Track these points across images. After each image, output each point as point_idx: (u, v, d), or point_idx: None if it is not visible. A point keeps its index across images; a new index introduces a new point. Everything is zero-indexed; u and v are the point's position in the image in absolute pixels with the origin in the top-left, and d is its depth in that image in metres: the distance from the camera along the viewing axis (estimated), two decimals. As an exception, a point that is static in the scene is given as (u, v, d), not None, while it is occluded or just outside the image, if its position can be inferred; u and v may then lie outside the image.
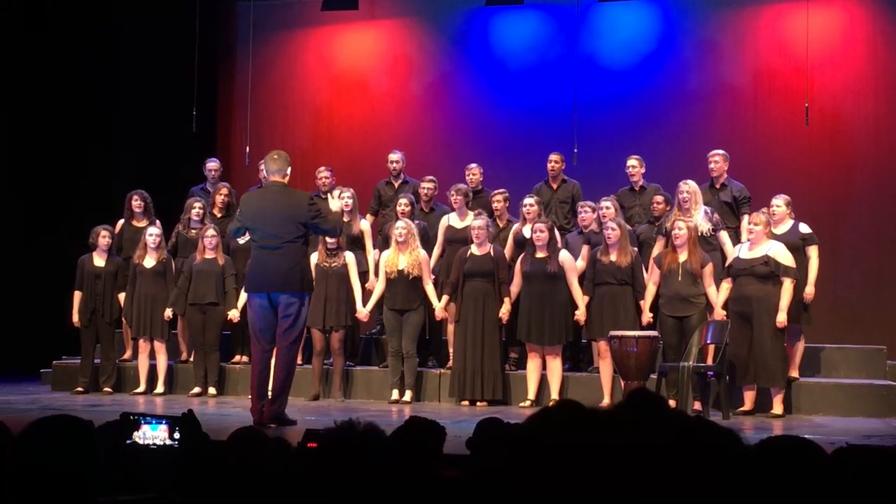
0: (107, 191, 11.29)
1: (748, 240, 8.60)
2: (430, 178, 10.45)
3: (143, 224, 10.39)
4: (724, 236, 9.21)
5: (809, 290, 8.85)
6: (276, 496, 2.66)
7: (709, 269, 8.64)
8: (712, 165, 9.65)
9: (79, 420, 2.67)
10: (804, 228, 8.95)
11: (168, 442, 4.34)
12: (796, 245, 8.88)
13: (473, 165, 10.56)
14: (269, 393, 7.61)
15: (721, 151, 9.71)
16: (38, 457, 2.50)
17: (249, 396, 9.18)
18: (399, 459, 2.32)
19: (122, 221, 10.57)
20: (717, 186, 9.66)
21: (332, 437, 2.21)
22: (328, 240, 9.44)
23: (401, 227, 9.39)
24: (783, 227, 8.96)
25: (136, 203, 10.47)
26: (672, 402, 8.16)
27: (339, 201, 8.19)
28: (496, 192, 9.99)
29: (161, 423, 4.39)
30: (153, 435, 4.37)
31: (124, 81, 12.49)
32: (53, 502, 2.47)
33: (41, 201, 11.96)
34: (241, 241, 9.48)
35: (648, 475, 1.03)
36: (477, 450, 3.39)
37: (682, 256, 8.64)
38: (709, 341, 8.43)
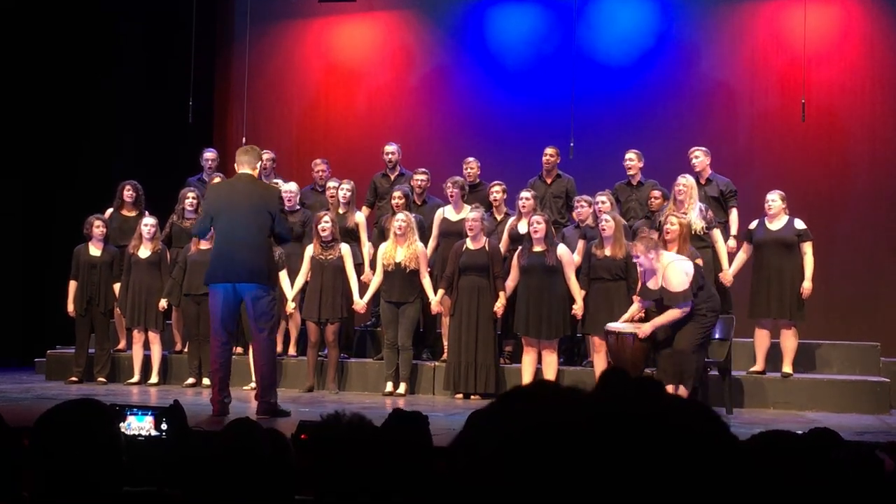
0: (103, 181, 11.26)
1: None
2: (423, 170, 10.44)
3: (132, 214, 10.41)
4: (716, 234, 9.21)
5: (807, 285, 8.86)
6: (269, 487, 2.65)
7: (697, 263, 8.56)
8: (694, 161, 9.66)
9: (104, 405, 2.66)
10: (799, 224, 8.96)
11: (154, 433, 4.34)
12: (791, 241, 8.90)
13: (471, 159, 10.54)
14: (257, 386, 7.59)
15: (702, 147, 9.74)
16: (66, 442, 2.48)
17: (244, 388, 9.24)
18: (388, 451, 2.32)
19: (110, 210, 10.56)
20: (703, 182, 9.66)
21: (319, 430, 2.21)
22: (321, 233, 9.43)
23: (401, 219, 9.38)
24: (779, 223, 8.97)
25: (128, 193, 10.47)
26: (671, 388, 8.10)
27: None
28: (494, 183, 9.98)
29: (147, 414, 4.40)
30: (139, 426, 4.38)
31: (121, 71, 12.47)
32: (83, 489, 2.45)
33: (37, 191, 11.94)
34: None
35: (624, 454, 1.03)
36: (467, 443, 3.38)
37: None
38: (717, 336, 8.42)
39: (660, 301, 7.90)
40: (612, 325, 8.26)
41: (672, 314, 7.80)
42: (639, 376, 1.13)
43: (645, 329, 7.84)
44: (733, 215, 9.56)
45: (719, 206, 9.59)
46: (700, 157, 9.63)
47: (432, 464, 2.88)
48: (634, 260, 8.12)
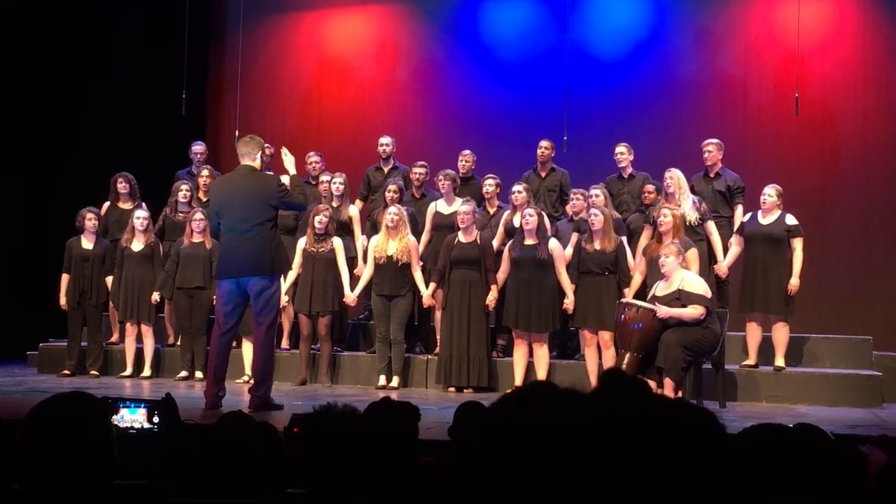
0: (96, 173, 11.24)
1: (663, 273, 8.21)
2: (422, 163, 10.41)
3: (128, 206, 10.39)
4: (711, 226, 9.21)
5: (794, 281, 8.86)
6: (261, 481, 2.65)
7: (692, 254, 8.54)
8: (706, 155, 9.65)
9: (96, 398, 2.65)
10: (790, 220, 8.96)
11: (147, 425, 4.34)
12: (779, 236, 8.90)
13: (467, 152, 10.52)
14: (251, 379, 7.58)
15: (715, 140, 9.71)
16: (58, 435, 2.47)
17: (236, 381, 9.25)
18: (376, 442, 2.31)
19: (107, 204, 10.56)
20: (712, 176, 9.66)
21: (312, 421, 2.21)
22: (316, 225, 9.43)
23: (393, 212, 9.37)
24: (770, 218, 8.97)
25: (122, 185, 10.46)
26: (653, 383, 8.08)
27: (289, 159, 7.88)
28: (487, 176, 9.96)
29: (140, 406, 4.40)
30: (132, 418, 4.38)
31: (115, 64, 12.44)
32: (74, 482, 2.44)
33: (29, 184, 11.91)
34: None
35: (622, 454, 1.03)
36: (458, 436, 3.38)
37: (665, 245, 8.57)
38: None
39: (675, 304, 7.99)
40: (631, 300, 8.33)
41: (690, 311, 7.91)
42: (634, 377, 1.13)
43: (663, 311, 7.91)
44: (738, 211, 9.54)
45: (725, 202, 9.59)
46: (713, 152, 9.63)
47: (415, 455, 2.88)
48: (662, 258, 8.14)
